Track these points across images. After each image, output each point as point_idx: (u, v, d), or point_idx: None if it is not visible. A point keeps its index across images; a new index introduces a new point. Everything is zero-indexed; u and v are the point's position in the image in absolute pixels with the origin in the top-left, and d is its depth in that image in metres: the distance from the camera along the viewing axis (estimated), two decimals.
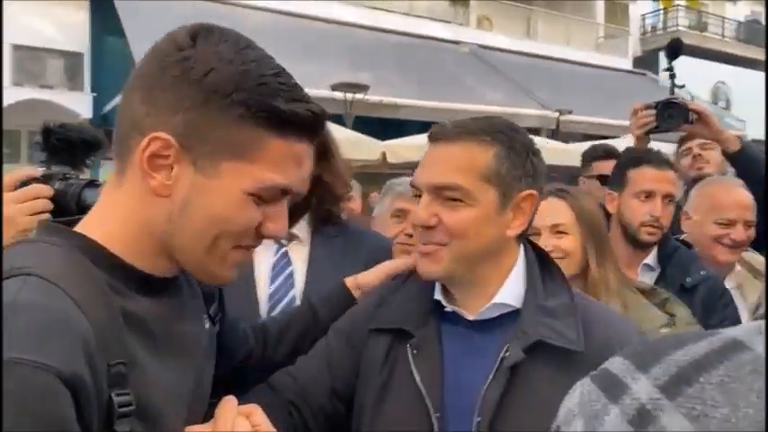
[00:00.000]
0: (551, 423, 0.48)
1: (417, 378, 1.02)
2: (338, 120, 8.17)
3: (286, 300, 1.44)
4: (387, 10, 13.71)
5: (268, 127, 0.73)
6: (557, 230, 1.51)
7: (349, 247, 1.50)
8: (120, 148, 0.77)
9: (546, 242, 1.46)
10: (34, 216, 1.15)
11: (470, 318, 1.06)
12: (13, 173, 1.20)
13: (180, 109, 0.72)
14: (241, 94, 0.72)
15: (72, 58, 10.68)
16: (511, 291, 1.05)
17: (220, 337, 0.99)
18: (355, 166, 3.36)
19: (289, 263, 1.48)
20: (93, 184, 1.20)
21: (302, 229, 1.51)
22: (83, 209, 1.12)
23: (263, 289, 1.44)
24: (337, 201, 1.53)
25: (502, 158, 1.01)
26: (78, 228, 0.77)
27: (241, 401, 0.82)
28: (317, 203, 1.48)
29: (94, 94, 10.76)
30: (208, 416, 0.83)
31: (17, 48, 10.07)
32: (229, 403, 0.81)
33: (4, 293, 0.63)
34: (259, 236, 0.79)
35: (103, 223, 0.77)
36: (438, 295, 1.10)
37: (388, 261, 1.34)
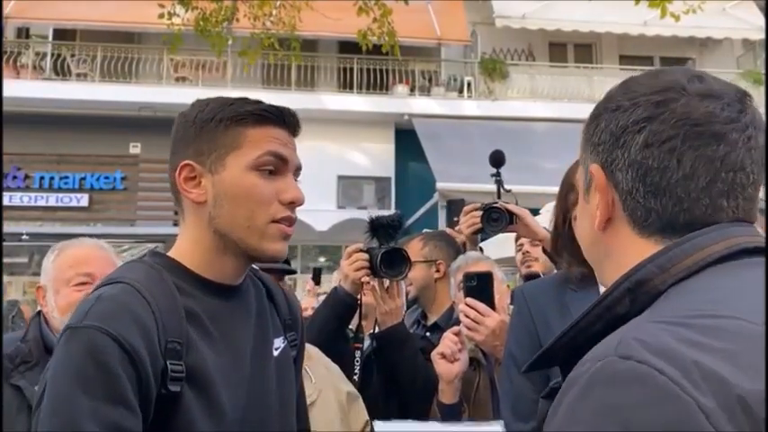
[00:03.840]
0: None
1: None
2: None
3: None
4: None
5: (243, 123, 1.02)
6: None
7: None
8: (176, 199, 1.07)
9: None
10: (358, 271, 1.75)
11: None
12: (350, 247, 1.88)
13: (188, 143, 1.04)
14: (219, 114, 1.02)
15: (381, 183, 12.41)
16: None
17: (295, 362, 1.18)
18: None
19: None
20: (391, 250, 1.77)
21: None
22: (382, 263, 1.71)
23: None
24: None
25: None
26: (169, 252, 1.08)
27: None
28: None
29: (399, 212, 12.22)
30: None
31: (341, 178, 12.11)
32: None
33: (98, 291, 0.95)
34: (284, 205, 1.02)
35: (180, 246, 1.07)
36: None
37: None
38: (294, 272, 2.01)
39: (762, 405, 0.47)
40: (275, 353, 1.11)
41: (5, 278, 11.69)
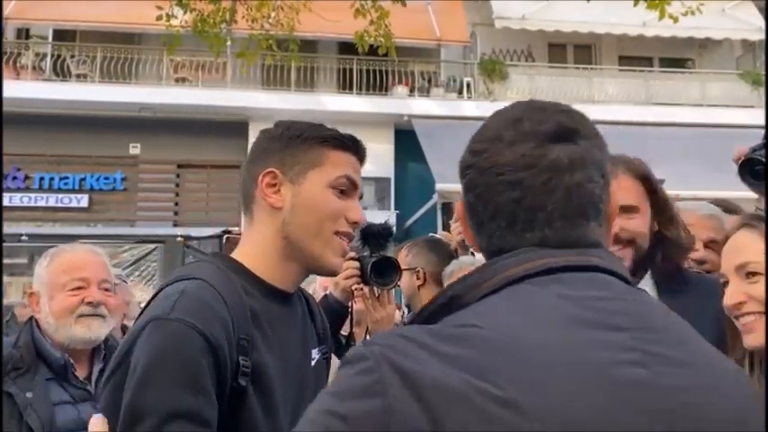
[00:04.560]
0: None
1: None
2: None
3: None
4: (677, 104, 13.12)
5: (326, 145, 1.14)
6: (746, 272, 1.21)
7: (697, 301, 1.44)
8: (246, 204, 1.16)
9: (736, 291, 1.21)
10: (348, 279, 1.73)
11: None
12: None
13: (272, 154, 1.14)
14: (306, 133, 1.14)
15: (381, 183, 12.42)
16: None
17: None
18: None
19: None
20: (381, 259, 1.76)
21: (647, 285, 1.53)
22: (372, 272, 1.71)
23: None
24: (684, 253, 1.57)
25: None
26: (232, 254, 1.15)
27: None
28: (663, 259, 1.53)
29: (398, 212, 12.24)
30: None
31: None
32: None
33: (178, 286, 1.01)
34: (349, 223, 1.14)
35: (244, 250, 1.15)
36: None
37: None
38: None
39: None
40: (312, 363, 1.20)
41: (5, 279, 11.68)
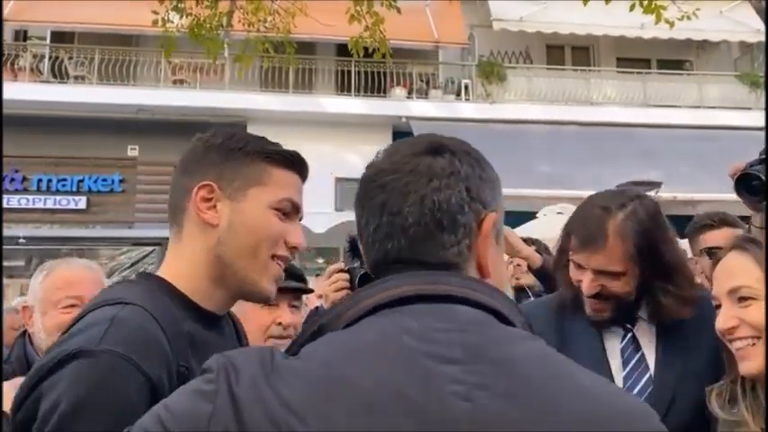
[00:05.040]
0: None
1: None
2: None
3: (641, 383, 1.48)
4: (675, 106, 13.13)
5: (271, 162, 1.07)
6: (738, 296, 1.21)
7: (698, 320, 1.44)
8: (175, 215, 1.07)
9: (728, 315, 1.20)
10: (338, 291, 1.65)
11: None
12: (331, 266, 1.77)
13: (209, 166, 1.06)
14: (249, 147, 1.07)
15: None
16: None
17: None
18: None
19: (638, 347, 1.51)
20: (364, 274, 1.67)
21: (645, 311, 1.53)
22: (359, 284, 1.62)
23: (617, 374, 1.49)
24: (686, 304, 1.48)
25: None
26: (158, 273, 1.07)
27: None
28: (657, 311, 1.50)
29: None
30: None
31: (339, 180, 12.13)
32: None
33: (107, 312, 0.92)
34: (288, 247, 1.07)
35: (172, 267, 1.07)
36: None
37: None
38: (311, 291, 1.97)
39: None
40: None
41: (4, 281, 11.67)
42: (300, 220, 1.13)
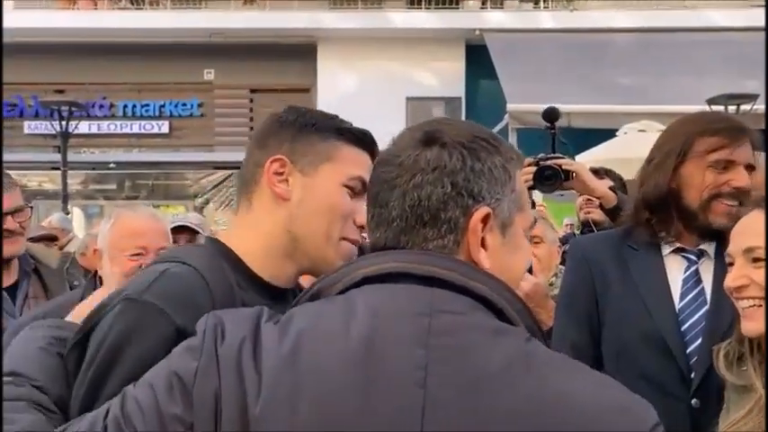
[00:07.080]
0: None
1: None
2: None
3: (695, 317, 1.49)
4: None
5: (343, 139, 1.08)
6: (753, 257, 1.19)
7: None
8: (246, 186, 1.09)
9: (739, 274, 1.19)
10: None
11: None
12: None
13: (284, 141, 1.07)
14: (321, 123, 1.08)
15: (451, 103, 12.15)
16: None
17: None
18: None
19: (699, 281, 1.52)
20: None
21: (711, 245, 1.53)
22: None
23: (675, 303, 1.51)
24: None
25: None
26: (224, 240, 1.08)
27: None
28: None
29: None
30: None
31: (410, 99, 11.96)
32: None
33: (159, 267, 0.97)
34: (357, 227, 1.07)
35: (241, 237, 1.07)
36: None
37: None
38: None
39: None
40: None
41: (100, 202, 12.57)
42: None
